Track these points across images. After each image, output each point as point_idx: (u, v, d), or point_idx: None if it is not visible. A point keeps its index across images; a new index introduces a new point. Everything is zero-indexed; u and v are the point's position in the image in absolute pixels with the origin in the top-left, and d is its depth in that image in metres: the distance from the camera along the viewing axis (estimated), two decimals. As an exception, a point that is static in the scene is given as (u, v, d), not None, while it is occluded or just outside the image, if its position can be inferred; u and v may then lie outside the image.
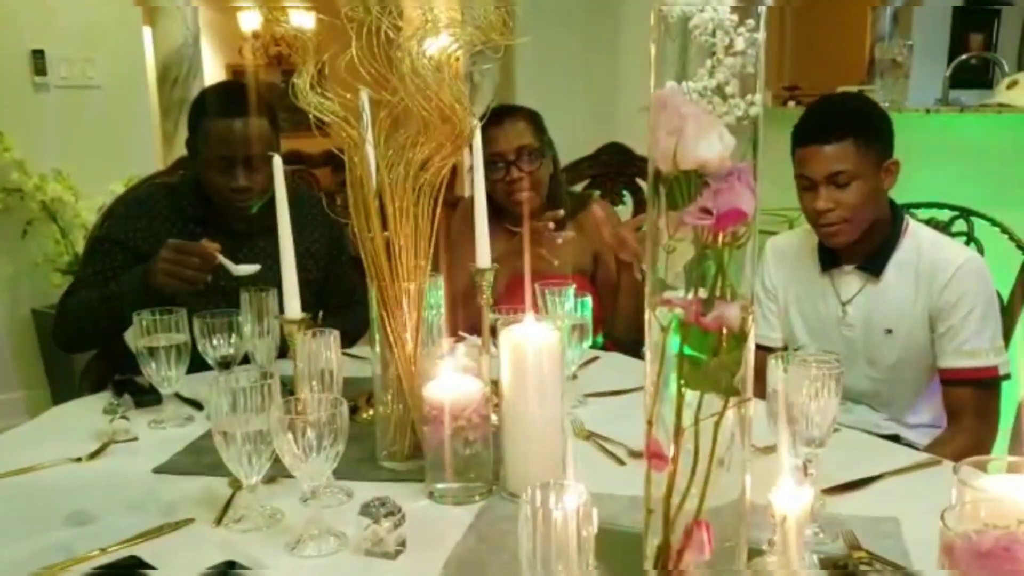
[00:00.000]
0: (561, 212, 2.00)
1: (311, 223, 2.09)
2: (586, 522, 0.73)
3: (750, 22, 0.82)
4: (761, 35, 0.83)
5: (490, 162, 2.05)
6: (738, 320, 0.86)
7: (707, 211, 0.84)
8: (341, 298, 2.14)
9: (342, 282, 2.15)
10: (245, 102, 1.89)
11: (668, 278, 0.89)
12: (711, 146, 0.83)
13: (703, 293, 0.87)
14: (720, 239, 0.86)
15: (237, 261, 1.74)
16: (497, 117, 2.10)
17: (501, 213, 2.11)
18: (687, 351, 0.87)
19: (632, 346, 2.05)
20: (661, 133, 0.84)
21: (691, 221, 0.85)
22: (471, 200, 2.08)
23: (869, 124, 1.73)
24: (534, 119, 2.18)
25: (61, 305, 1.99)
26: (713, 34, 0.82)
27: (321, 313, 2.11)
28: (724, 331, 0.86)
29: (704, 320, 0.86)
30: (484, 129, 1.98)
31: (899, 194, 1.83)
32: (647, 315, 0.91)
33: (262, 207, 1.93)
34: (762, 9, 0.83)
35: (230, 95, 1.96)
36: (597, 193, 2.61)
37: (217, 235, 1.91)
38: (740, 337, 0.87)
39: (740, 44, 0.82)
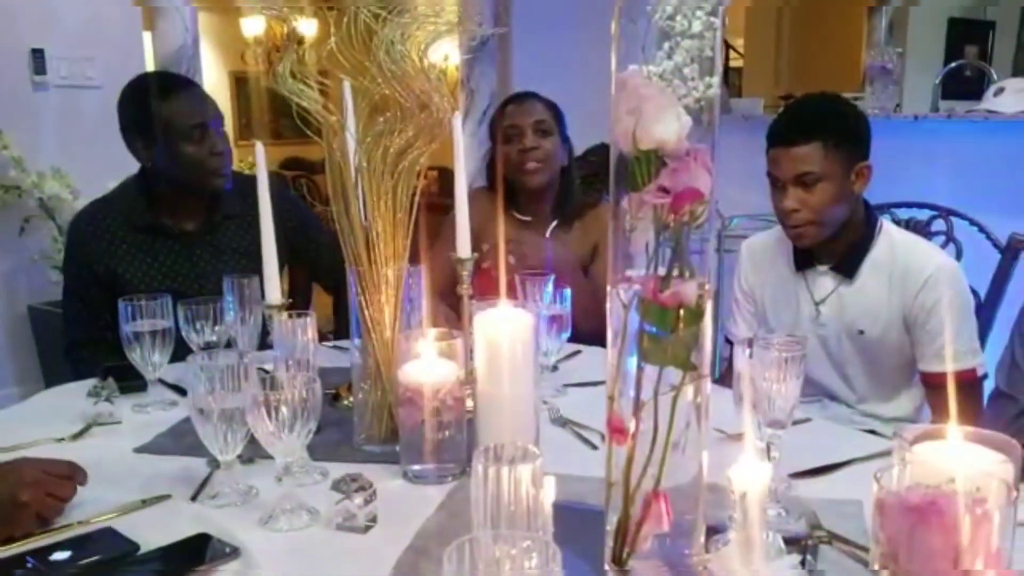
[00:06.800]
0: None
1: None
2: (538, 481, 0.75)
3: (707, 6, 0.85)
4: (719, 20, 0.86)
5: (507, 136, 2.18)
6: (694, 297, 0.88)
7: (665, 190, 0.87)
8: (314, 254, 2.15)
9: (313, 242, 2.15)
10: (183, 77, 1.92)
11: (630, 257, 0.92)
12: (669, 126, 0.86)
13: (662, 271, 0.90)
14: (677, 218, 0.88)
15: (194, 259, 1.77)
16: (518, 97, 2.27)
17: (509, 199, 2.23)
18: (646, 327, 0.90)
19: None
20: (621, 113, 0.87)
21: (649, 200, 0.88)
22: (476, 192, 2.20)
23: (839, 126, 1.73)
24: (553, 108, 2.28)
25: (69, 355, 1.97)
26: (673, 17, 0.85)
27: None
28: (681, 308, 0.89)
29: (661, 296, 0.88)
30: (504, 107, 2.23)
31: (882, 196, 1.85)
32: (610, 292, 0.94)
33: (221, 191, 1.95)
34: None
35: (167, 76, 2.01)
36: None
37: (165, 239, 1.94)
38: (696, 313, 0.89)
39: (697, 27, 0.84)
